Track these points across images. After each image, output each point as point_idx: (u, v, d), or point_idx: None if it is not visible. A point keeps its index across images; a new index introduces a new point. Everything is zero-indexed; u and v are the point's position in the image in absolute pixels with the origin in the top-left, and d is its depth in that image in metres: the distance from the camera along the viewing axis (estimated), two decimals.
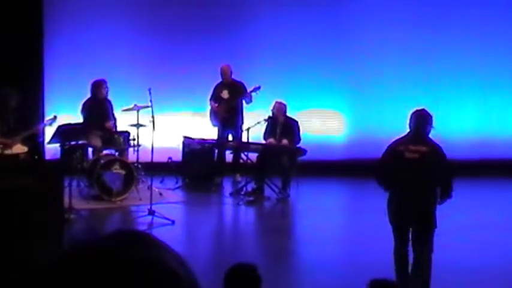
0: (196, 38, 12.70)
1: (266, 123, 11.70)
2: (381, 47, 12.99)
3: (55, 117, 10.36)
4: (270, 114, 11.67)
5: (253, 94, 11.97)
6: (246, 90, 12.01)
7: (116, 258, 1.08)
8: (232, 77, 12.18)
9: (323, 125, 13.23)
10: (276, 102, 11.67)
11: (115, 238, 1.13)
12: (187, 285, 1.10)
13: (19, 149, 9.84)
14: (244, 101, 12.12)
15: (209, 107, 12.31)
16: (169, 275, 1.09)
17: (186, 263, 1.14)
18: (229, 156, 12.33)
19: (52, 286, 1.06)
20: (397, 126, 13.02)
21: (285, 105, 11.67)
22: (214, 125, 12.31)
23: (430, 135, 7.04)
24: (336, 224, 10.32)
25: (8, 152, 9.79)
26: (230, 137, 12.31)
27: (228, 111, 12.10)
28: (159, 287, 1.07)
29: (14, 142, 9.84)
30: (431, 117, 7.01)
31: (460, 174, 12.30)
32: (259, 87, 11.91)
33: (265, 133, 11.76)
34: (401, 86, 13.07)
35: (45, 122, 10.88)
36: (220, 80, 12.22)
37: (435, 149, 6.93)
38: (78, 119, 11.21)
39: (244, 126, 11.98)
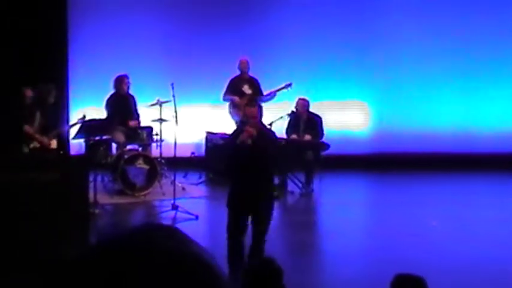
0: (218, 28, 12.60)
1: (289, 118, 11.66)
2: (406, 38, 12.81)
3: (84, 116, 10.41)
4: (293, 108, 11.63)
5: (284, 91, 11.87)
6: (260, 86, 11.92)
7: (148, 251, 1.08)
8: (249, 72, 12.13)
9: (347, 117, 13.09)
10: (300, 99, 11.60)
11: (143, 232, 1.14)
12: (219, 277, 1.11)
13: (54, 145, 9.98)
14: (263, 99, 11.93)
15: (229, 102, 12.20)
16: (203, 266, 1.10)
17: (211, 255, 1.15)
18: None
19: (81, 281, 1.07)
20: (421, 117, 13.02)
21: (308, 102, 11.61)
22: (235, 120, 12.25)
23: None
24: (359, 219, 10.29)
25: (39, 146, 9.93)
26: None
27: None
28: (196, 277, 1.08)
29: (50, 139, 9.96)
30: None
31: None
32: (290, 84, 11.76)
33: (287, 128, 11.71)
34: (429, 77, 12.89)
35: (77, 121, 10.95)
36: (236, 73, 12.09)
37: None
38: (104, 111, 11.30)
39: (267, 121, 11.92)
